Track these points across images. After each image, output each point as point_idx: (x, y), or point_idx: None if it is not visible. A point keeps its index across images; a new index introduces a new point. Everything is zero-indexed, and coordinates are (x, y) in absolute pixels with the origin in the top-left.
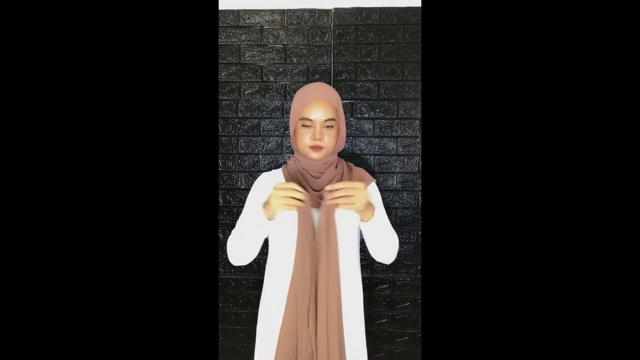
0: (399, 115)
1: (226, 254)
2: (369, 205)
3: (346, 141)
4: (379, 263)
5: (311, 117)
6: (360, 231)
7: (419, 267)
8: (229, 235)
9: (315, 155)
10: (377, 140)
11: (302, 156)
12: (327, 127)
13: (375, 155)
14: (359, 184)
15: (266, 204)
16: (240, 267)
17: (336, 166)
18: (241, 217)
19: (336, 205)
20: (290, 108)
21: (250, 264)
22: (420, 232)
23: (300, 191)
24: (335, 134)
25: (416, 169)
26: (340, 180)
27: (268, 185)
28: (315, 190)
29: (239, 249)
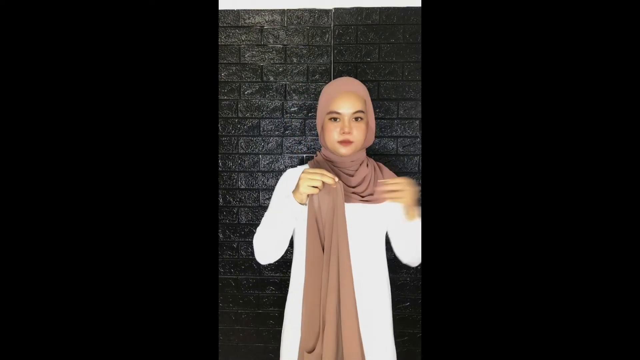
0: (399, 115)
1: (226, 254)
2: (416, 204)
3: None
4: None
5: (339, 110)
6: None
7: (419, 267)
8: (229, 235)
9: (344, 150)
10: (377, 140)
11: (330, 153)
12: (356, 119)
13: (375, 155)
14: (411, 180)
15: (295, 189)
16: (240, 267)
17: (367, 166)
18: (267, 213)
19: (385, 199)
20: (290, 108)
21: (250, 264)
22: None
23: (329, 176)
24: (364, 127)
25: (416, 169)
26: (373, 179)
27: (294, 181)
28: (349, 187)
29: (269, 243)
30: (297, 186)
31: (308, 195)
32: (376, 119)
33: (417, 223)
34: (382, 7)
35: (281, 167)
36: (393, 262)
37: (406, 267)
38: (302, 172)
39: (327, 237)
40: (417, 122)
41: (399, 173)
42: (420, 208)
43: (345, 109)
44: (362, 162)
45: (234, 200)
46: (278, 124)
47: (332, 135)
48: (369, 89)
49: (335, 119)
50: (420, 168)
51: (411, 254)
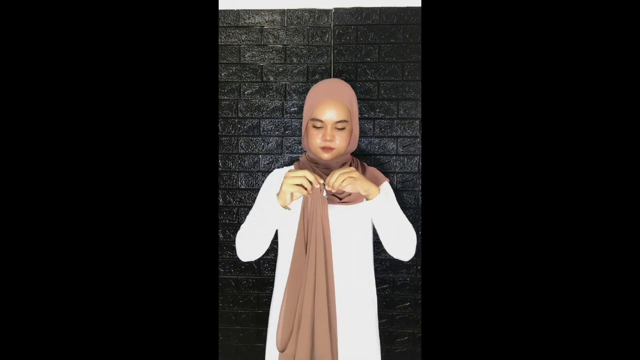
0: (399, 115)
1: (226, 254)
2: (371, 184)
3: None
4: (379, 263)
5: (322, 118)
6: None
7: (419, 267)
8: (229, 235)
9: (326, 156)
10: (377, 140)
11: (313, 155)
12: (339, 129)
13: (375, 155)
14: (351, 168)
15: (278, 192)
16: (240, 267)
17: (350, 165)
18: (251, 212)
19: (340, 186)
20: (290, 108)
21: (250, 264)
22: (420, 232)
23: (313, 176)
24: (347, 135)
25: (416, 169)
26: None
27: (279, 182)
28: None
29: (251, 243)
30: (280, 188)
31: (292, 197)
32: (376, 119)
33: (383, 202)
34: (382, 7)
35: (281, 167)
36: (393, 262)
37: (406, 267)
38: (285, 174)
39: (310, 239)
40: (417, 122)
41: (399, 173)
42: (377, 188)
43: (328, 117)
44: (345, 163)
45: (234, 200)
46: (278, 124)
47: (315, 140)
48: (369, 89)
49: (318, 127)
50: (420, 168)
51: (391, 244)
